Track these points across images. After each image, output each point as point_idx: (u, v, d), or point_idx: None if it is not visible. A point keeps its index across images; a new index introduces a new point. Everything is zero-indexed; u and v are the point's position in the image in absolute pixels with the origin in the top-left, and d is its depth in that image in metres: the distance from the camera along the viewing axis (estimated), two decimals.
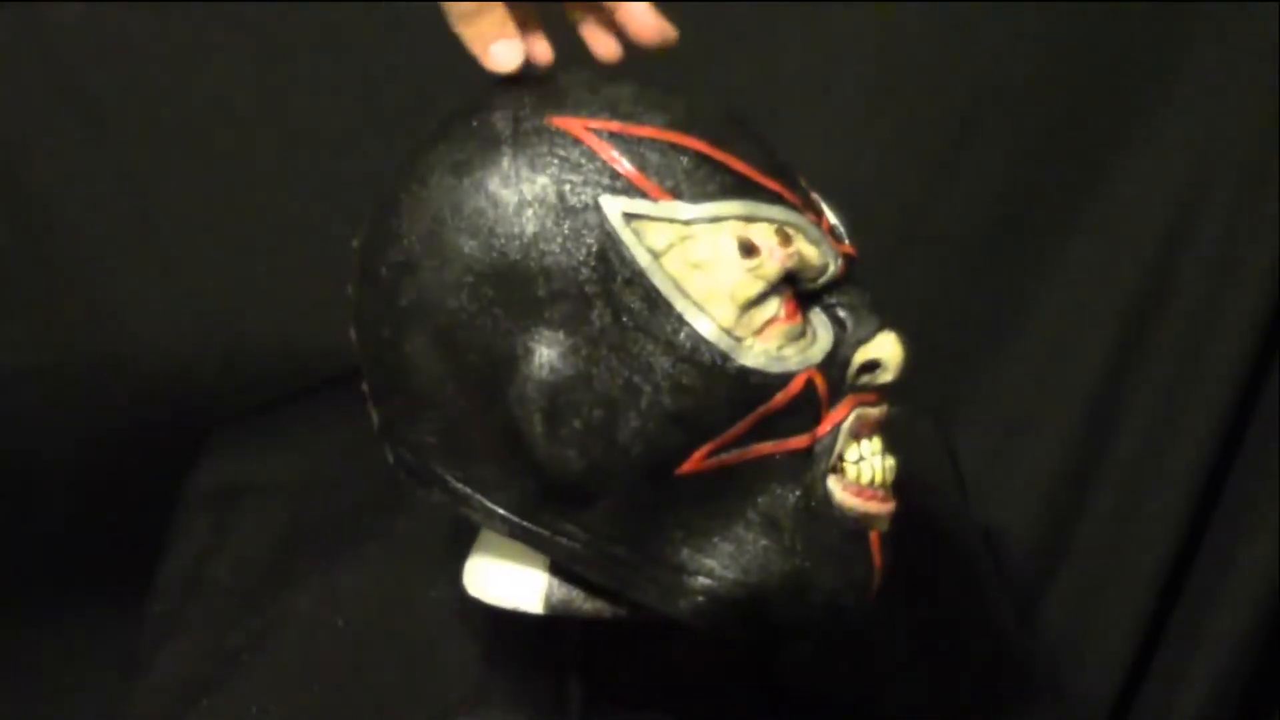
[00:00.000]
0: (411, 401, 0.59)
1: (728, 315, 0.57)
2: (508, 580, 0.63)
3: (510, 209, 0.56)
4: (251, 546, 0.91)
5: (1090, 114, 1.05)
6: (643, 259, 0.56)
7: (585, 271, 0.56)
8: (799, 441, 0.59)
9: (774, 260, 0.57)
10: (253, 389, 1.11)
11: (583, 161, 0.56)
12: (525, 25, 0.65)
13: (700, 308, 0.56)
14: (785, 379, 0.58)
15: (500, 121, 0.58)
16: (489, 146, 0.57)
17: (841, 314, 0.61)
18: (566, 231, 0.56)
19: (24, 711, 1.14)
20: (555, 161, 0.56)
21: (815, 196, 0.62)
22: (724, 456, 0.57)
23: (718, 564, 0.59)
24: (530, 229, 0.56)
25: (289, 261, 1.10)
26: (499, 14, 0.59)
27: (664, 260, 0.56)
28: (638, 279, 0.56)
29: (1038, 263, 1.11)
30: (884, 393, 0.61)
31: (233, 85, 1.05)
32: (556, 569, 0.62)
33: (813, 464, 0.59)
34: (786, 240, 0.58)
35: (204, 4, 1.01)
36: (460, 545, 0.68)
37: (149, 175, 1.07)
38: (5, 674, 1.14)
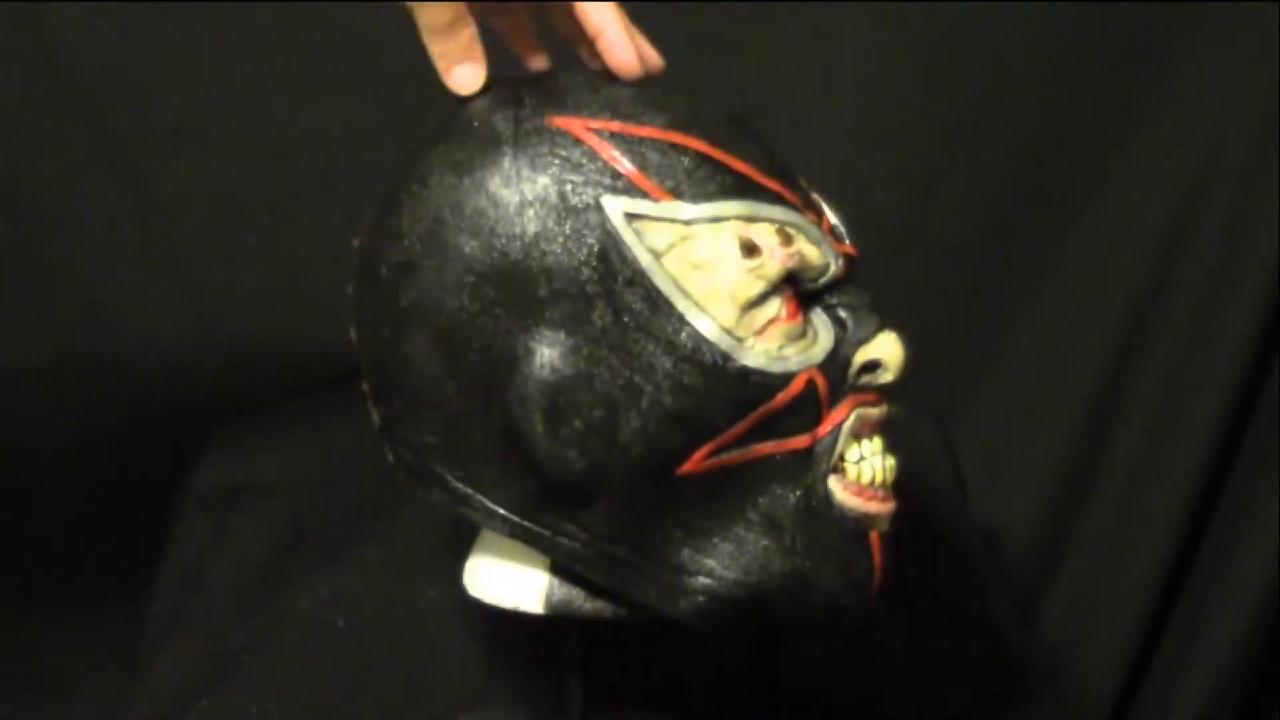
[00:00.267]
0: (411, 401, 0.59)
1: (729, 315, 0.57)
2: (508, 580, 0.63)
3: (511, 209, 0.56)
4: (251, 546, 0.91)
5: (1090, 114, 1.06)
6: (644, 259, 0.56)
7: (586, 271, 0.56)
8: (800, 441, 0.59)
9: (775, 260, 0.57)
10: (253, 389, 1.11)
11: (584, 161, 0.56)
12: (521, 32, 0.65)
13: (701, 308, 0.56)
14: (786, 379, 0.58)
15: (501, 121, 0.58)
16: (490, 146, 0.57)
17: (842, 314, 0.61)
18: (568, 231, 0.56)
19: (24, 711, 1.14)
20: (556, 162, 0.56)
21: (815, 196, 0.62)
22: (724, 457, 0.57)
23: (718, 564, 0.59)
24: (531, 229, 0.56)
25: (289, 261, 1.10)
26: (469, 34, 0.60)
27: (665, 260, 0.56)
28: (639, 279, 0.56)
29: (1037, 263, 1.11)
30: (884, 393, 0.61)
31: (233, 85, 1.05)
32: (557, 569, 0.62)
33: (813, 464, 0.59)
34: (788, 240, 0.58)
35: (204, 4, 1.01)
36: (460, 545, 0.68)
37: (149, 175, 1.07)
38: (5, 674, 1.14)
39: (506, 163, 0.57)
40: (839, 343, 0.60)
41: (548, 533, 0.59)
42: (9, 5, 0.99)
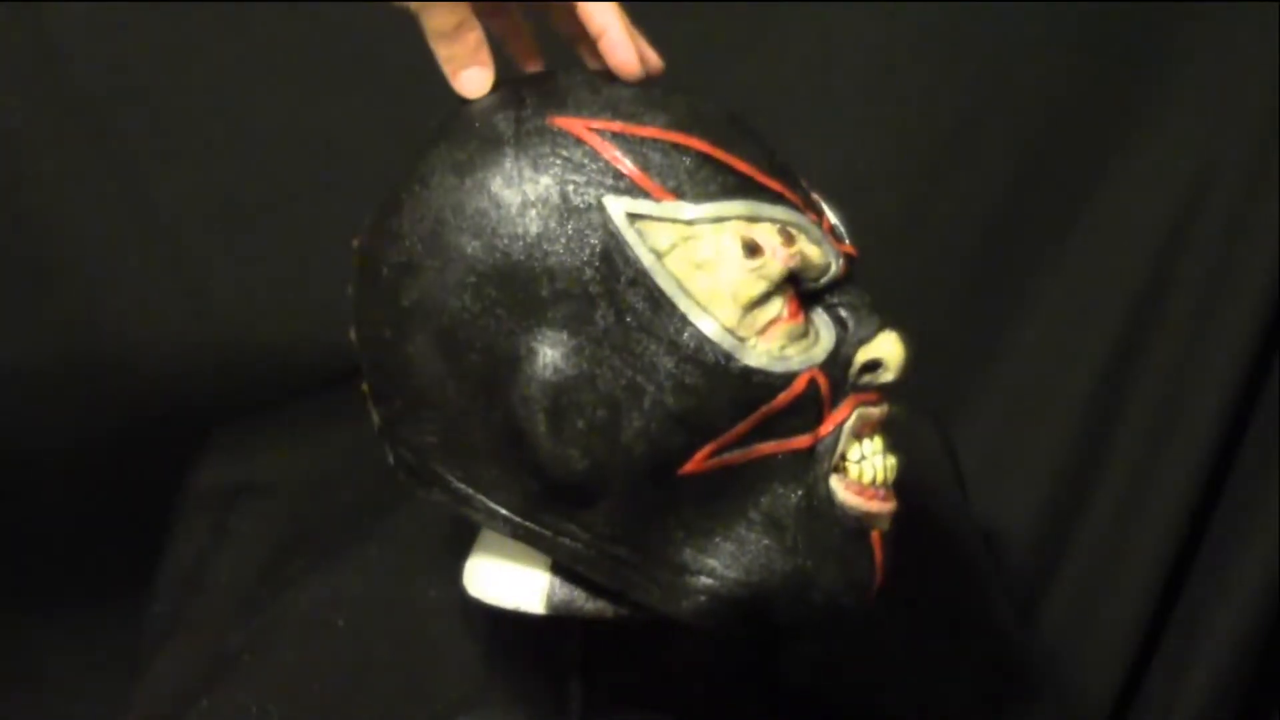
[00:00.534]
0: (412, 401, 0.59)
1: (731, 315, 0.57)
2: (509, 580, 0.63)
3: (513, 209, 0.56)
4: (251, 546, 0.91)
5: (1090, 114, 1.06)
6: (646, 259, 0.56)
7: (589, 272, 0.56)
8: (801, 441, 0.59)
9: (777, 260, 0.57)
10: (253, 389, 1.11)
11: (585, 162, 0.56)
12: (516, 33, 0.65)
13: (703, 307, 0.56)
14: (788, 379, 0.58)
15: (502, 122, 0.58)
16: (491, 147, 0.57)
17: (843, 314, 0.61)
18: (570, 232, 0.56)
19: (24, 711, 1.14)
20: (558, 162, 0.56)
21: (816, 196, 0.62)
22: (726, 456, 0.57)
23: (719, 564, 0.59)
24: (533, 229, 0.56)
25: (289, 261, 1.10)
26: (475, 38, 0.60)
27: (667, 260, 0.56)
28: (641, 279, 0.56)
29: (1038, 263, 1.11)
30: (885, 392, 0.61)
31: (233, 85, 1.05)
32: (558, 569, 0.62)
33: (815, 463, 0.59)
34: (790, 240, 0.58)
35: (204, 4, 1.01)
36: (460, 545, 0.68)
37: (149, 175, 1.07)
38: (6, 674, 1.14)
39: (508, 163, 0.56)
40: (840, 342, 0.60)
41: (549, 533, 0.59)
42: (9, 5, 0.99)
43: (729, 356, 0.56)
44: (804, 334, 0.59)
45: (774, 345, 0.58)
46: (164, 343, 1.11)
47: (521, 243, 0.56)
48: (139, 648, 0.84)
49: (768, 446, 0.58)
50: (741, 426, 0.57)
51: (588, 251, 0.56)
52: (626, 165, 0.57)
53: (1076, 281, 1.11)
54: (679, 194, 0.57)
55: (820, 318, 0.61)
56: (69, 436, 1.11)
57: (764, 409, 0.57)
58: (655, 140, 0.57)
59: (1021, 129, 1.06)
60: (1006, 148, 1.07)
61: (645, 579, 0.59)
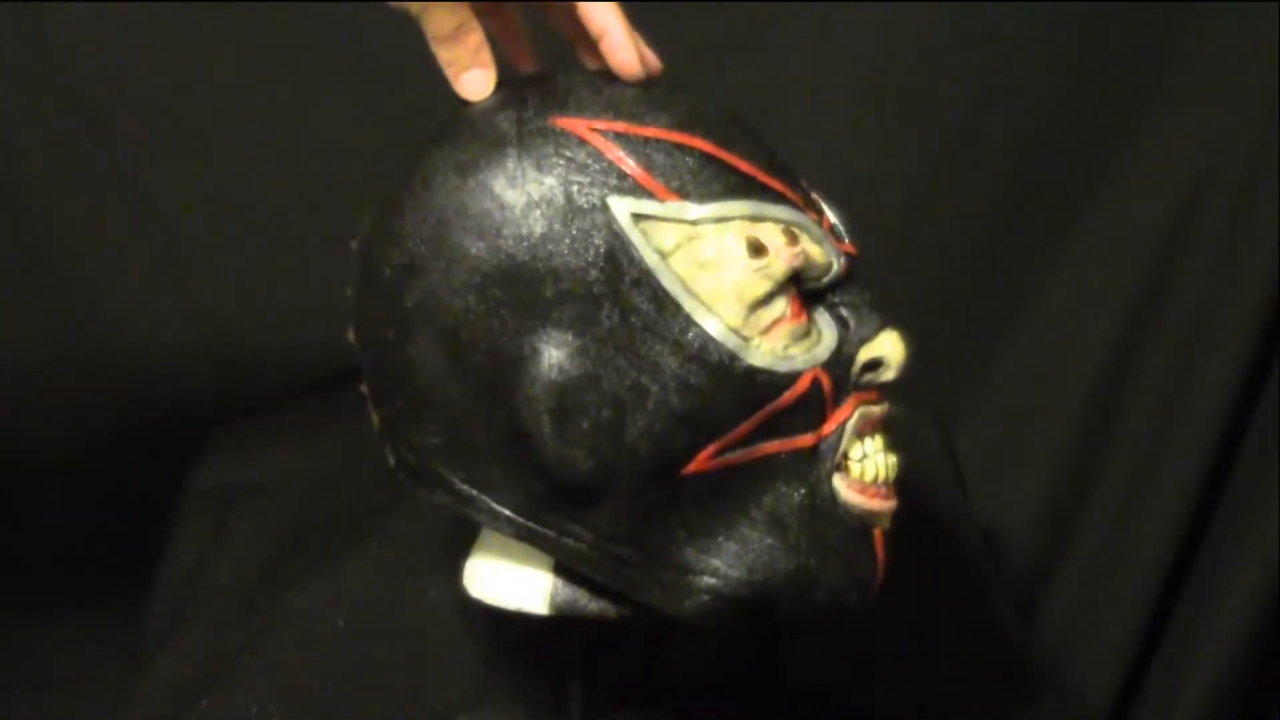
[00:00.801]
0: (414, 403, 0.59)
1: (735, 315, 0.57)
2: (511, 581, 0.63)
3: (517, 210, 0.56)
4: (251, 546, 0.91)
5: (1090, 114, 1.06)
6: (651, 259, 0.56)
7: (593, 272, 0.56)
8: (804, 440, 0.59)
9: (781, 260, 0.58)
10: (252, 389, 1.11)
11: (589, 162, 0.56)
12: (512, 32, 0.65)
13: (708, 307, 0.57)
14: (792, 378, 0.58)
15: (504, 123, 0.58)
16: (494, 147, 0.57)
17: (844, 313, 0.61)
18: (574, 232, 0.56)
19: (24, 711, 1.14)
20: (561, 162, 0.56)
21: (815, 196, 0.62)
22: (730, 456, 0.57)
23: (723, 563, 0.59)
24: (538, 230, 0.56)
25: (289, 261, 1.10)
26: (477, 40, 0.60)
27: (672, 260, 0.56)
28: (646, 279, 0.56)
29: (1038, 262, 1.11)
30: (886, 390, 0.62)
31: (233, 85, 1.05)
32: (560, 569, 0.62)
33: (818, 462, 0.60)
34: (793, 240, 0.58)
35: (204, 4, 1.01)
36: (460, 546, 0.67)
37: (149, 175, 1.07)
38: (6, 674, 1.14)
39: (511, 164, 0.56)
40: (841, 341, 0.60)
41: (553, 534, 0.59)
42: (9, 5, 0.99)
43: (733, 356, 0.56)
44: (807, 333, 0.59)
45: (778, 345, 0.58)
46: (164, 343, 1.11)
47: (526, 244, 0.55)
48: (139, 648, 0.84)
49: (771, 446, 0.58)
50: (745, 426, 0.57)
51: (592, 252, 0.56)
52: (630, 165, 0.57)
53: (1076, 282, 1.11)
54: (683, 194, 0.57)
55: (822, 317, 0.61)
56: (69, 436, 1.11)
57: (768, 408, 0.57)
58: (658, 140, 0.57)
59: (1021, 129, 1.06)
60: (1006, 148, 1.07)
61: (648, 579, 0.59)
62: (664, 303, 0.56)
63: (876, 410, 0.61)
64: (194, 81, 1.04)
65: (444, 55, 0.60)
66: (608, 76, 0.61)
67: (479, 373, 0.56)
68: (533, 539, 0.59)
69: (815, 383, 0.58)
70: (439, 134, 0.59)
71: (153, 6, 1.00)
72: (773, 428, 0.58)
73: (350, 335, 0.61)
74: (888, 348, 0.60)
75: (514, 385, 0.56)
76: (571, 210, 0.56)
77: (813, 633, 0.67)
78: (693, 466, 0.57)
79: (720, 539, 0.59)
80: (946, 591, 0.91)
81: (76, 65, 1.02)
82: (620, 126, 0.57)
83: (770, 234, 0.58)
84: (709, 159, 0.58)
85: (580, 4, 0.61)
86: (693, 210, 0.57)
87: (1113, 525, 1.13)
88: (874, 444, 0.61)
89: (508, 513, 0.59)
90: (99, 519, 1.12)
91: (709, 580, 0.59)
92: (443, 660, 0.79)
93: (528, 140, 0.57)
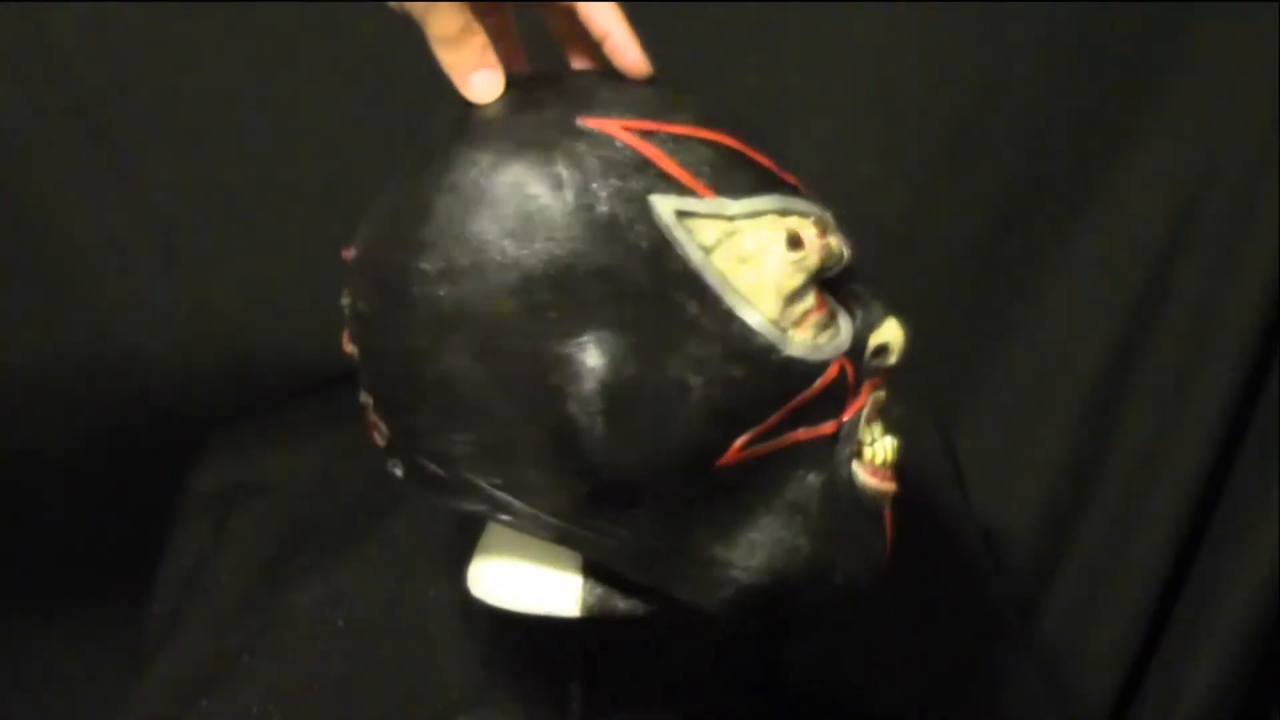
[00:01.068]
0: (446, 411, 0.57)
1: (774, 307, 0.58)
2: (537, 586, 0.62)
3: (557, 212, 0.55)
4: (251, 546, 0.91)
5: (1090, 114, 1.05)
6: (695, 256, 0.56)
7: (639, 271, 0.55)
8: (827, 428, 0.60)
9: (815, 252, 0.58)
10: (253, 390, 1.11)
11: (627, 161, 0.56)
12: (505, 33, 0.65)
13: (748, 301, 0.57)
14: (822, 367, 0.59)
15: (531, 125, 0.57)
16: (525, 149, 0.56)
17: (852, 302, 0.62)
18: (619, 232, 0.55)
19: (24, 711, 1.14)
20: (599, 162, 0.56)
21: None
22: (758, 447, 0.58)
23: (748, 555, 0.60)
24: (580, 231, 0.55)
25: (289, 262, 1.10)
26: (480, 42, 0.58)
27: (714, 256, 0.57)
28: (690, 276, 0.56)
29: (1038, 262, 1.11)
30: (887, 376, 0.63)
31: (233, 85, 1.05)
32: (590, 570, 0.61)
33: (838, 449, 0.61)
34: (823, 231, 0.59)
35: (204, 4, 1.01)
36: (460, 546, 0.67)
37: (149, 175, 1.07)
38: (6, 674, 1.14)
39: (547, 165, 0.55)
40: (855, 329, 0.61)
41: (592, 534, 0.58)
42: (9, 5, 0.99)
43: (772, 348, 0.57)
44: (829, 323, 0.60)
45: (809, 335, 0.59)
46: (164, 343, 1.11)
47: (568, 245, 0.55)
48: (139, 648, 0.84)
49: (797, 434, 0.59)
50: (776, 416, 0.58)
51: (638, 251, 0.55)
52: (668, 163, 0.57)
53: (1077, 281, 1.11)
54: (718, 190, 0.57)
55: (836, 307, 0.62)
56: (69, 436, 1.11)
57: (799, 398, 0.58)
58: (688, 137, 0.58)
59: (1021, 129, 1.06)
60: (1006, 148, 1.07)
61: (679, 574, 0.59)
62: (707, 298, 0.56)
63: (881, 395, 0.63)
64: (194, 81, 1.04)
65: (448, 57, 0.58)
66: (616, 76, 0.61)
67: (522, 377, 0.55)
68: (572, 541, 0.59)
69: (841, 371, 0.60)
70: (459, 137, 0.58)
71: (153, 6, 1.00)
72: (800, 417, 0.59)
73: (351, 346, 0.60)
74: (891, 333, 0.62)
75: (561, 388, 0.55)
76: (614, 210, 0.55)
77: (822, 620, 0.67)
78: (725, 458, 0.57)
79: (744, 530, 0.60)
80: (946, 591, 0.92)
81: (76, 65, 1.02)
82: (650, 125, 0.57)
83: (804, 227, 0.59)
84: (736, 154, 0.58)
85: (581, 5, 0.61)
86: (731, 206, 0.57)
87: (1113, 525, 1.13)
88: (879, 428, 0.63)
89: (547, 516, 0.58)
90: (99, 519, 1.12)
91: (734, 572, 0.60)
92: (443, 660, 0.79)
93: (560, 141, 0.56)
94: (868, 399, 0.61)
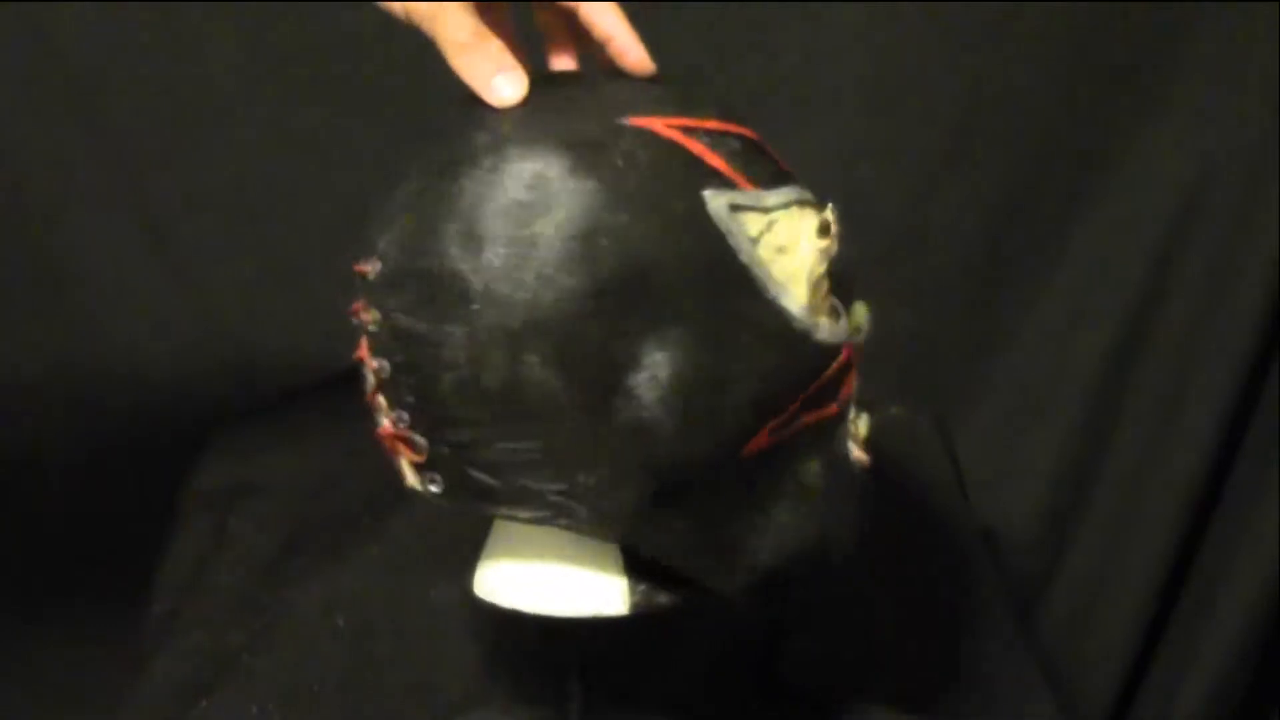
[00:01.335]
0: (507, 420, 0.55)
1: (805, 295, 0.59)
2: (583, 587, 0.62)
3: (613, 212, 0.54)
4: (251, 546, 0.91)
5: (1089, 115, 1.06)
6: (746, 248, 0.57)
7: (698, 267, 0.56)
8: (831, 409, 0.61)
9: (836, 239, 0.59)
10: (253, 390, 1.11)
11: (674, 158, 0.56)
12: (503, 33, 0.65)
13: (787, 290, 0.58)
14: (838, 351, 0.60)
15: (577, 125, 0.56)
16: (577, 150, 0.55)
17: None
18: (678, 229, 0.55)
19: (25, 711, 1.14)
20: (648, 161, 0.55)
21: None
22: (781, 433, 0.59)
23: (766, 538, 0.60)
24: (642, 230, 0.55)
25: (290, 262, 1.10)
26: (495, 44, 0.57)
27: (759, 248, 0.58)
28: (742, 268, 0.57)
29: (1037, 263, 1.11)
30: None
31: (234, 86, 1.05)
32: (631, 567, 0.61)
33: (837, 428, 0.62)
34: (838, 219, 0.60)
35: (205, 4, 1.01)
36: (460, 546, 0.67)
37: (150, 177, 1.07)
38: (6, 674, 1.14)
39: (604, 166, 0.55)
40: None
41: (653, 530, 0.58)
42: (9, 5, 0.99)
43: (806, 335, 0.58)
44: (836, 307, 0.61)
45: (828, 320, 0.60)
46: (164, 344, 1.11)
47: (632, 245, 0.54)
48: (139, 648, 0.84)
49: (809, 417, 0.60)
50: (797, 401, 0.59)
51: (697, 246, 0.56)
52: (712, 157, 0.57)
53: (1076, 281, 1.11)
54: (755, 182, 0.58)
55: None
56: (70, 438, 1.11)
57: (818, 381, 0.59)
58: (719, 132, 0.58)
59: (1021, 129, 1.06)
60: (1006, 148, 1.07)
61: (710, 562, 0.60)
62: (755, 289, 0.57)
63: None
64: (195, 82, 1.04)
65: (464, 64, 0.57)
66: (623, 75, 0.61)
67: (592, 381, 0.55)
68: (635, 538, 0.58)
69: (850, 354, 0.61)
70: (502, 142, 0.55)
71: (153, 6, 1.00)
72: (813, 400, 0.60)
73: (377, 362, 0.57)
74: (863, 313, 0.63)
75: (632, 388, 0.55)
76: (673, 207, 0.55)
77: (821, 621, 0.67)
78: (753, 445, 0.58)
79: (762, 514, 0.60)
80: (947, 592, 0.91)
81: (76, 64, 1.02)
82: (685, 121, 0.57)
83: (829, 214, 0.59)
84: (757, 147, 0.59)
85: (583, 6, 0.60)
86: (768, 197, 0.58)
87: (1113, 525, 1.13)
88: (856, 406, 0.64)
89: (611, 517, 0.57)
90: (99, 519, 1.12)
91: (757, 557, 0.60)
92: (443, 660, 0.79)
93: (611, 140, 0.55)
94: (857, 378, 0.63)
